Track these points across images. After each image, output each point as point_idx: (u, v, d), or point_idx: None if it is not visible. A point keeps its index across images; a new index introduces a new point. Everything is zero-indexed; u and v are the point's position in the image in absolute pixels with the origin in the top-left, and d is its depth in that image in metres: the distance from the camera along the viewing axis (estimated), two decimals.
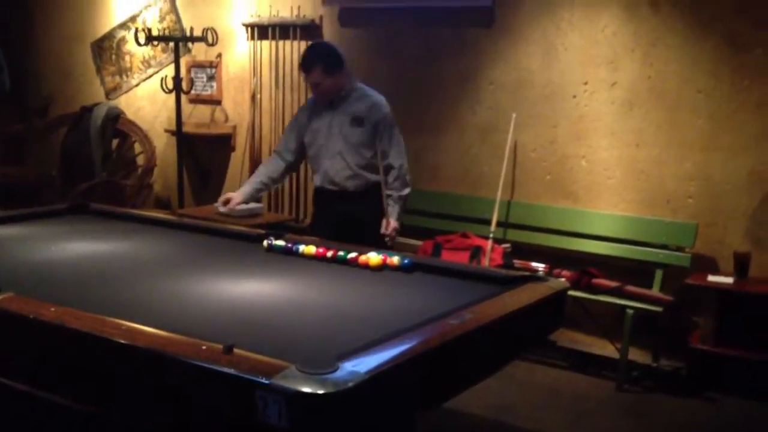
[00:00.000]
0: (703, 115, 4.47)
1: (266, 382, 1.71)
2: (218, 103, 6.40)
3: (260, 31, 6.01)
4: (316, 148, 4.20)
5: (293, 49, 5.84)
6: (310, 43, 4.17)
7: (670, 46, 4.52)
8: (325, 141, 4.14)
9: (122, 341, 1.98)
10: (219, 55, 6.28)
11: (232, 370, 1.79)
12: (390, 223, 4.06)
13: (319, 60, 4.03)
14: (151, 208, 6.63)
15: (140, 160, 6.91)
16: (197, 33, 5.88)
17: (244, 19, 6.06)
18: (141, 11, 6.75)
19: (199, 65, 6.42)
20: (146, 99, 6.87)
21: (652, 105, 4.61)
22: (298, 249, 3.17)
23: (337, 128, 4.10)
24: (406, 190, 4.16)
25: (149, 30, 6.16)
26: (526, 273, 3.02)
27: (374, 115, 4.08)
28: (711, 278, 4.26)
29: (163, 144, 6.76)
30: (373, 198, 4.09)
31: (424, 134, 5.31)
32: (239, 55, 6.21)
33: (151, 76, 6.79)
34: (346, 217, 4.09)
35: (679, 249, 4.51)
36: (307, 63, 4.08)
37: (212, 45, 5.91)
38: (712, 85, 4.44)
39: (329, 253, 3.10)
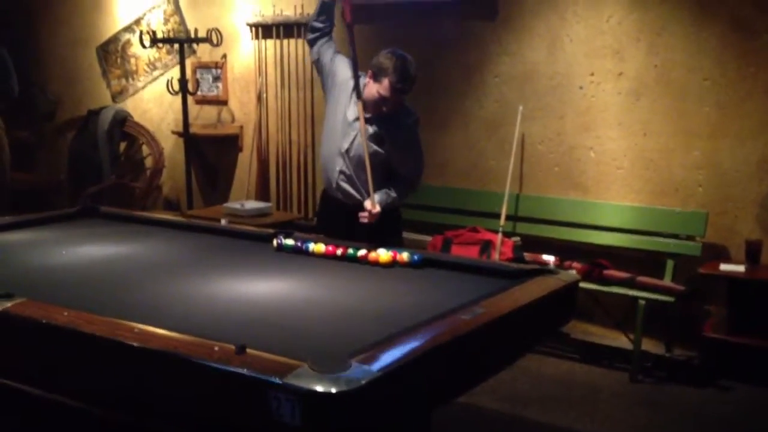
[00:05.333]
0: (710, 103, 4.45)
1: (279, 381, 1.72)
2: (224, 103, 6.41)
3: (264, 30, 6.02)
4: (327, 121, 3.75)
5: (298, 48, 5.84)
6: (400, 57, 3.58)
7: (676, 35, 4.51)
8: (338, 125, 3.64)
9: (135, 344, 1.99)
10: (224, 56, 6.28)
11: (244, 371, 1.79)
12: (375, 206, 3.54)
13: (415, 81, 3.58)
14: (160, 209, 6.66)
15: (148, 162, 6.94)
16: (201, 34, 5.89)
17: (248, 19, 6.07)
18: (145, 14, 6.77)
19: (205, 66, 6.43)
20: (153, 101, 6.88)
21: (658, 94, 4.59)
22: (307, 247, 3.17)
23: (357, 128, 3.57)
24: (405, 195, 3.71)
25: (154, 32, 6.17)
26: (537, 266, 3.01)
27: (398, 138, 3.64)
28: (723, 267, 4.24)
29: (170, 146, 6.78)
30: (388, 218, 3.64)
31: (431, 130, 5.28)
32: (244, 55, 6.21)
33: (156, 78, 6.81)
34: (352, 235, 3.46)
35: (690, 238, 4.49)
36: (411, 86, 3.59)
37: (217, 46, 5.92)
38: (718, 72, 4.42)
39: (339, 251, 3.10)
